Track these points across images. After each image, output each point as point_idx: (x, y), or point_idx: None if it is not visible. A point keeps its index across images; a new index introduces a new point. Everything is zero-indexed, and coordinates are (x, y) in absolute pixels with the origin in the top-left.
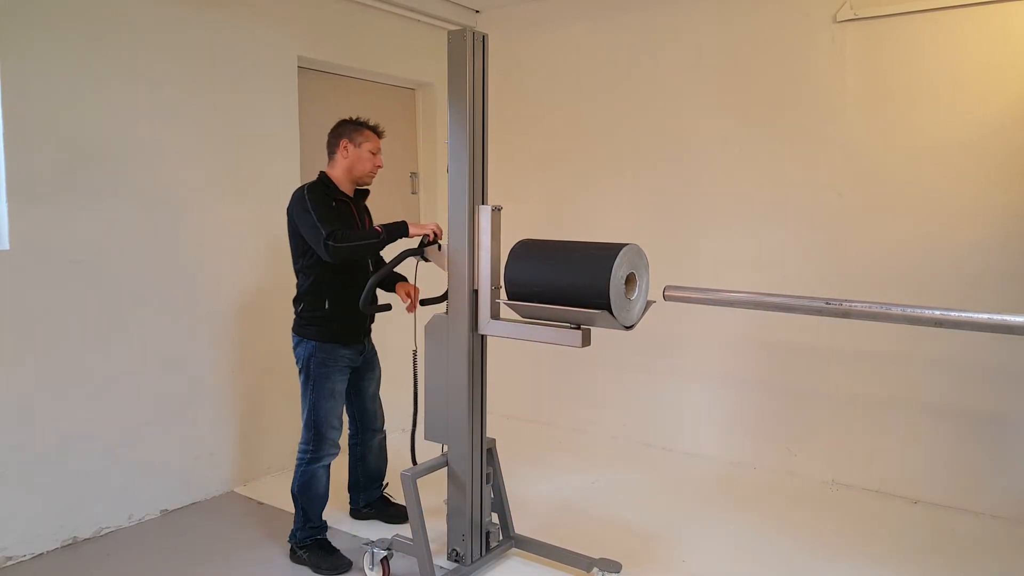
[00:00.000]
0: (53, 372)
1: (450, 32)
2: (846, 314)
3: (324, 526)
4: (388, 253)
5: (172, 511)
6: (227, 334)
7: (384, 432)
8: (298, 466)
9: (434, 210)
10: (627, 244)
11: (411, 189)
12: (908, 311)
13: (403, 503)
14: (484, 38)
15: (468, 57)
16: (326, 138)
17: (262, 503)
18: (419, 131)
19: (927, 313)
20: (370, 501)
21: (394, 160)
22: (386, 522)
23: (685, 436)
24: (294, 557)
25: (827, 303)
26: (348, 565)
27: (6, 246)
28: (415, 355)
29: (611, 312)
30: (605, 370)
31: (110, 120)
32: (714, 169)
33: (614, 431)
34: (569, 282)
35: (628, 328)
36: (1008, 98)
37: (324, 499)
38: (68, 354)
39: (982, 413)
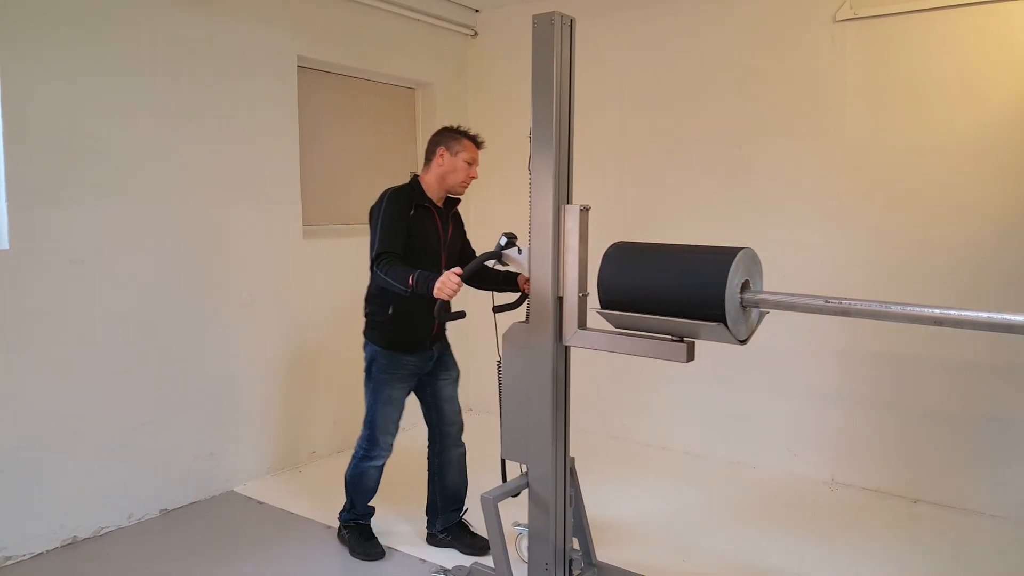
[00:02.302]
0: (52, 371)
1: (536, 16)
2: (845, 312)
3: (369, 513)
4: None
5: (172, 511)
6: (227, 333)
7: (464, 446)
8: (353, 457)
9: None
10: (743, 248)
11: None
12: (907, 310)
13: (482, 532)
14: (572, 22)
15: (556, 43)
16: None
17: (262, 502)
18: (419, 131)
19: (927, 312)
20: (447, 526)
21: (393, 160)
22: (464, 552)
23: (684, 436)
24: (339, 536)
25: (826, 301)
26: (380, 554)
27: (6, 245)
28: (499, 367)
29: (726, 325)
30: (602, 369)
31: (109, 119)
32: (713, 168)
33: (613, 431)
34: (675, 290)
35: (742, 343)
36: (1008, 97)
37: (371, 493)
38: (67, 354)
39: (982, 413)
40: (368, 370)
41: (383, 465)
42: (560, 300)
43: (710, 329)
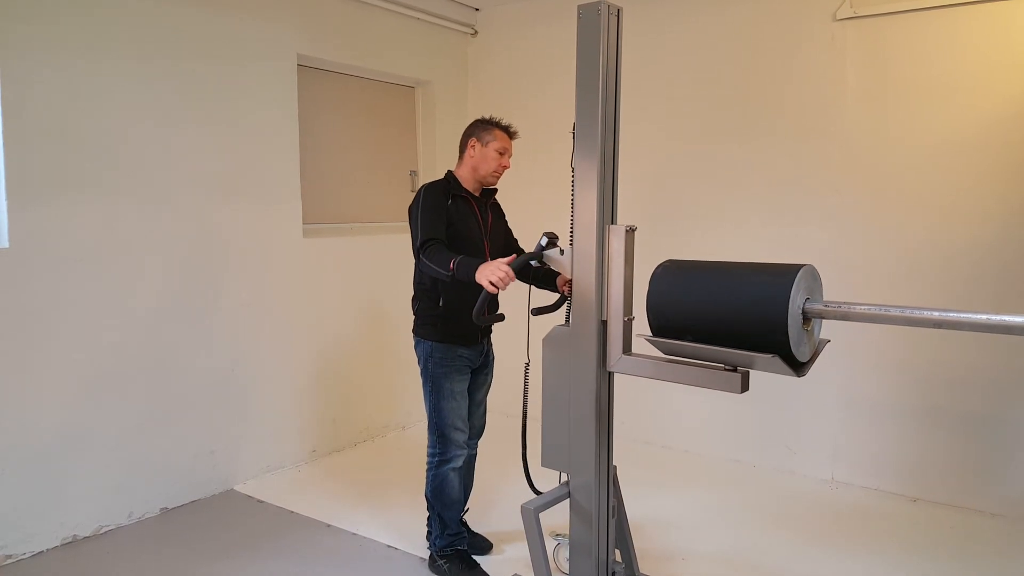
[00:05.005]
0: (52, 370)
1: (581, 6)
2: (844, 316)
3: (462, 533)
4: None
5: (172, 509)
6: (226, 332)
7: (476, 449)
8: (428, 471)
9: None
10: (803, 265)
11: (410, 187)
12: (907, 312)
13: (482, 533)
14: (619, 12)
15: (602, 37)
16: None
17: (262, 501)
18: (418, 129)
19: (926, 314)
20: None
21: (393, 158)
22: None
23: (684, 434)
24: (433, 566)
25: (826, 305)
26: None
27: (6, 244)
28: (527, 369)
29: (789, 352)
30: None
31: (109, 118)
32: (712, 167)
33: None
34: (732, 317)
35: (800, 373)
36: (1008, 96)
37: (459, 503)
38: (67, 352)
39: (981, 412)
40: (424, 368)
41: (462, 468)
42: (604, 324)
43: (769, 361)
